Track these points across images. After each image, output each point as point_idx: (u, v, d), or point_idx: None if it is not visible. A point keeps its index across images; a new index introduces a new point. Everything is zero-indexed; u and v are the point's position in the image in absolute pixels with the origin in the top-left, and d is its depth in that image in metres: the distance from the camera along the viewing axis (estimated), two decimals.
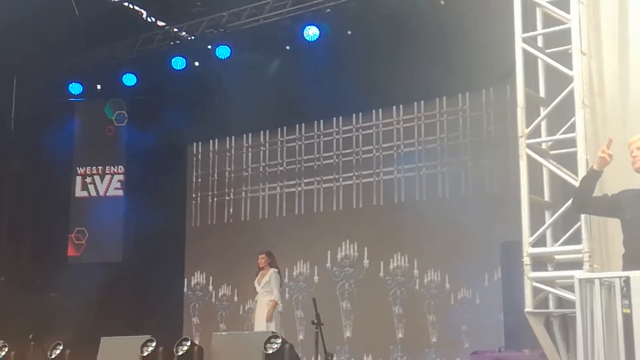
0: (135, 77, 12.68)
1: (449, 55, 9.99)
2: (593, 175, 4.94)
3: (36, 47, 11.62)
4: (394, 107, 11.46)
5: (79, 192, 13.03)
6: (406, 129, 11.37)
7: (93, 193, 13.01)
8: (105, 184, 13.01)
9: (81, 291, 11.48)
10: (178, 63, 12.16)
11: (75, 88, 13.03)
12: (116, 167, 13.05)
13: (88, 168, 13.08)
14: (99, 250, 12.60)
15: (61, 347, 8.89)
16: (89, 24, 11.38)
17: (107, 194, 12.95)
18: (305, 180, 12.15)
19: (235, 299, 12.38)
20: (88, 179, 13.05)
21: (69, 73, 12.96)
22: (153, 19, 12.06)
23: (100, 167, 13.06)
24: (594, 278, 4.62)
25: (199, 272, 12.87)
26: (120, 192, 12.95)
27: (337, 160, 11.93)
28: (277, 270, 9.48)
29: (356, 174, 11.70)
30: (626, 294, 4.43)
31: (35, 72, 12.46)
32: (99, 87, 13.03)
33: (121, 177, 12.99)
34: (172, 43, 12.16)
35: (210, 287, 12.70)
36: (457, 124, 10.96)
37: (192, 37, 12.02)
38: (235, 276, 12.15)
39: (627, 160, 4.92)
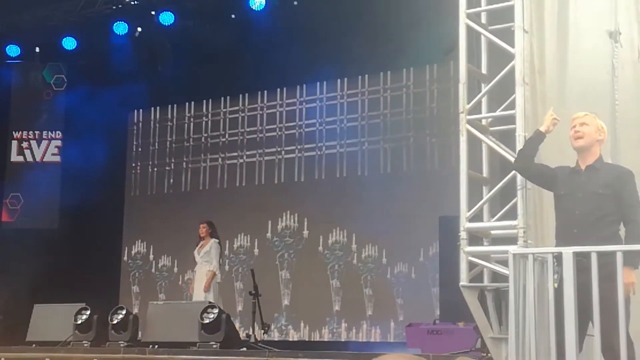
0: (75, 41, 12.40)
1: (395, 30, 10.00)
2: (538, 137, 5.01)
3: None
4: (339, 80, 11.46)
5: (15, 157, 12.74)
6: (350, 103, 11.39)
7: (29, 158, 12.72)
8: (42, 149, 12.73)
9: (15, 257, 11.26)
10: (120, 28, 11.93)
11: (13, 50, 12.67)
12: (54, 132, 12.77)
13: (25, 132, 12.78)
14: (34, 216, 12.34)
15: None
16: None
17: (44, 160, 12.69)
18: (247, 153, 12.08)
19: (175, 269, 12.29)
20: (24, 144, 12.75)
21: (7, 34, 12.59)
22: None
23: (37, 132, 12.78)
24: (527, 253, 4.70)
25: (139, 241, 12.72)
26: (57, 158, 12.69)
27: (279, 133, 11.88)
28: (217, 240, 9.42)
29: (299, 147, 11.67)
30: (557, 269, 4.52)
31: None
32: (37, 49, 12.69)
33: (59, 142, 12.73)
34: (114, 7, 11.88)
35: (151, 257, 12.58)
36: (401, 100, 11.02)
37: (135, 2, 11.77)
38: (175, 247, 12.04)
39: (563, 138, 5.00)
